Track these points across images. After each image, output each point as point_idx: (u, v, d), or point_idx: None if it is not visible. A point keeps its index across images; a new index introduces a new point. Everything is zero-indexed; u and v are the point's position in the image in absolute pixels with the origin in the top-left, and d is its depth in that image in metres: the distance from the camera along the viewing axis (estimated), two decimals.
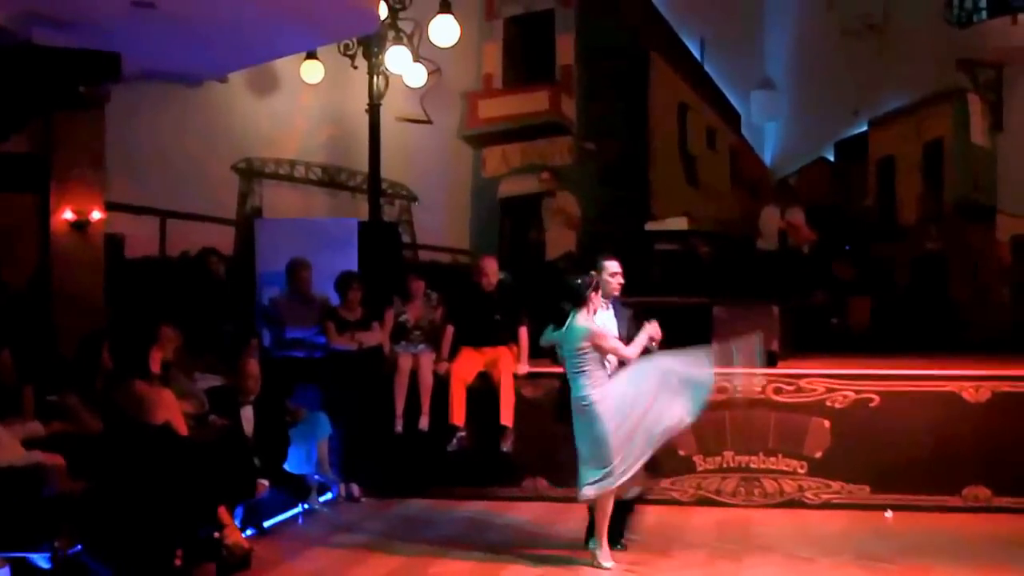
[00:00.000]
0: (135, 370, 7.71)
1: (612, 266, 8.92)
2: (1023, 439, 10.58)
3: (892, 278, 17.37)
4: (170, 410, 7.71)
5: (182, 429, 7.82)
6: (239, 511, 9.20)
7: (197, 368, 10.24)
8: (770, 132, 20.14)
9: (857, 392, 10.90)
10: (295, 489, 10.43)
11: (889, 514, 10.59)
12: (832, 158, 19.53)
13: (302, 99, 15.59)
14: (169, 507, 7.25)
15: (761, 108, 19.59)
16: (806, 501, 10.93)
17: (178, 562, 7.48)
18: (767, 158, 20.15)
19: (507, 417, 11.05)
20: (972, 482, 10.69)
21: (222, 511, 8.36)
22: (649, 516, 10.23)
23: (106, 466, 7.42)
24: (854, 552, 9.11)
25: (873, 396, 10.88)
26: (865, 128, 18.70)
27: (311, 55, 14.75)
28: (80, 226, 11.52)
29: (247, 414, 9.70)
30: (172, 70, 13.15)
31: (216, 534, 8.26)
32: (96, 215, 11.64)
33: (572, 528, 9.13)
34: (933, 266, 17.22)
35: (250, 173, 15.23)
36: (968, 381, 10.81)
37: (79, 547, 7.50)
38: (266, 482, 9.29)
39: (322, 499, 11.05)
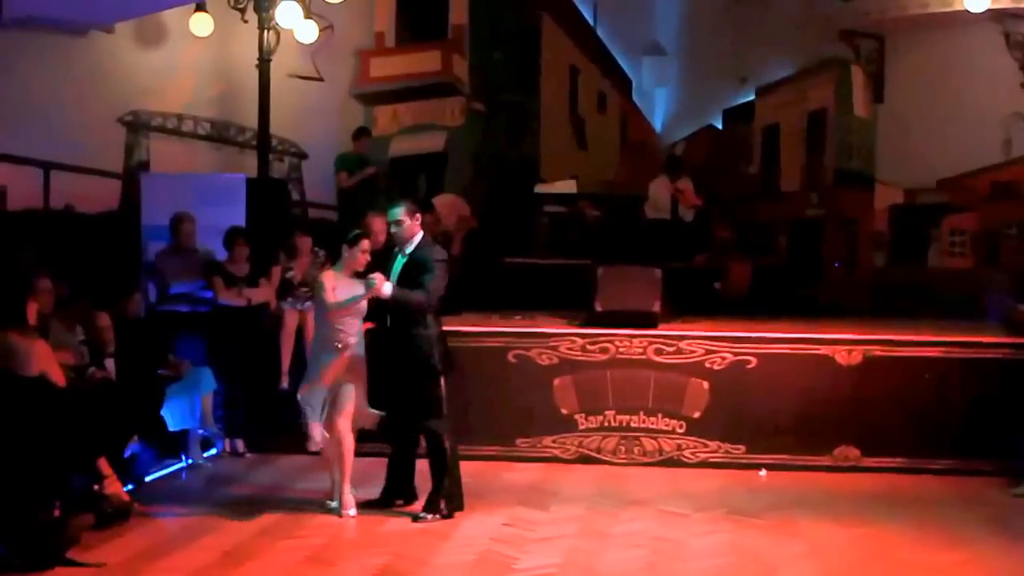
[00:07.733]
0: (10, 321, 7.66)
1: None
2: (891, 401, 10.89)
3: (773, 244, 17.66)
4: (46, 361, 7.67)
5: (59, 380, 7.78)
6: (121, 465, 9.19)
7: (79, 321, 10.16)
8: (660, 98, 20.28)
9: (735, 354, 11.11)
10: (174, 443, 10.42)
11: (763, 473, 10.85)
12: (720, 125, 19.75)
13: (191, 52, 15.37)
14: (44, 458, 7.22)
15: (651, 74, 19.71)
16: (684, 460, 11.13)
17: (56, 512, 7.46)
18: (657, 124, 20.29)
19: None
20: (842, 442, 10.98)
21: (102, 462, 8.35)
22: (531, 474, 10.45)
23: None
24: (726, 508, 9.38)
25: (750, 358, 11.10)
26: (752, 96, 18.93)
27: (200, 7, 14.56)
28: None
29: (109, 366, 9.64)
30: (56, 18, 12.91)
31: (95, 486, 8.26)
32: None
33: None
34: (812, 233, 17.54)
35: (137, 126, 15.01)
36: (841, 345, 11.07)
37: None
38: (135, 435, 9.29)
39: (206, 454, 11.04)
